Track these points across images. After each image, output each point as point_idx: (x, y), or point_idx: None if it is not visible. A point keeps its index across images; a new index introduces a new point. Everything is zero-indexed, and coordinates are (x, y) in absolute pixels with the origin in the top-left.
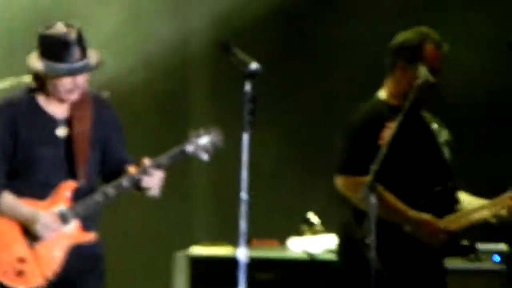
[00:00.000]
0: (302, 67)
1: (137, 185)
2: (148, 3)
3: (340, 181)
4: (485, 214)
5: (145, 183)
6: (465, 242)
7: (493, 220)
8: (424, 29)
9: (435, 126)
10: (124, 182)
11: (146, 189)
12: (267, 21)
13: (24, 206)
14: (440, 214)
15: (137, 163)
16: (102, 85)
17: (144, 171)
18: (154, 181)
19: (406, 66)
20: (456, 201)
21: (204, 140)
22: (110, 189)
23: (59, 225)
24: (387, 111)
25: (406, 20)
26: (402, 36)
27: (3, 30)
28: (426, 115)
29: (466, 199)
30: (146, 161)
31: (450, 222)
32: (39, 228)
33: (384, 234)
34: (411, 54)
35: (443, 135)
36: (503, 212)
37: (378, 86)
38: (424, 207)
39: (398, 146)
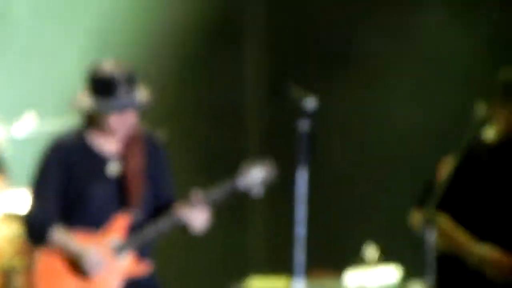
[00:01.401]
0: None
1: (179, 221)
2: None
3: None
4: None
5: (189, 219)
6: None
7: None
8: None
9: None
10: (173, 218)
11: (190, 226)
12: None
13: (74, 243)
14: None
15: (188, 198)
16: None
17: (189, 205)
18: (197, 217)
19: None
20: None
21: (256, 175)
22: (162, 225)
23: (109, 261)
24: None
25: None
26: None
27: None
28: None
29: None
30: (193, 195)
31: None
32: (87, 266)
33: (448, 268)
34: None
35: None
36: None
37: None
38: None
39: (470, 182)
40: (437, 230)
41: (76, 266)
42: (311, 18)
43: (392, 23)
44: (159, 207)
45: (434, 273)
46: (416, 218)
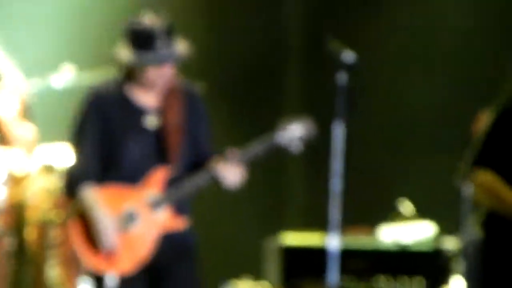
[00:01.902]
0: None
1: (216, 177)
2: None
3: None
4: None
5: (223, 175)
6: None
7: None
8: None
9: None
10: (210, 173)
11: (224, 181)
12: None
13: (96, 211)
14: None
15: (224, 154)
16: (197, 73)
17: (225, 163)
18: (231, 173)
19: None
20: None
21: (295, 131)
22: (200, 180)
23: (149, 213)
24: None
25: None
26: None
27: (94, 21)
28: None
29: None
30: (228, 152)
31: None
32: (99, 236)
33: (498, 225)
34: None
35: None
36: None
37: None
38: None
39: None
40: (479, 187)
41: (120, 216)
42: None
43: None
44: (197, 161)
45: (469, 229)
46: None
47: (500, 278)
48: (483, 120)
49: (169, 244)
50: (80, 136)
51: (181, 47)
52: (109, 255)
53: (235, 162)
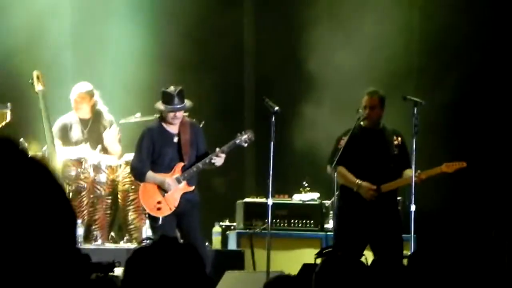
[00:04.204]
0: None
1: (211, 162)
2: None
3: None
4: (401, 183)
5: (215, 161)
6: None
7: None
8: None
9: (390, 135)
10: (207, 160)
11: (215, 164)
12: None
13: (158, 177)
14: (380, 183)
15: (213, 151)
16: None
17: (215, 154)
18: (220, 160)
19: None
20: (387, 178)
21: (245, 137)
22: (200, 165)
23: (176, 184)
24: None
25: None
26: None
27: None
28: (388, 131)
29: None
30: (217, 149)
31: (383, 187)
32: (166, 187)
33: (345, 192)
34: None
35: (396, 141)
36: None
37: None
38: (372, 179)
39: (354, 148)
40: (339, 174)
41: (160, 188)
42: (287, 58)
43: None
44: (198, 157)
45: (337, 195)
46: (329, 168)
47: (344, 215)
48: (342, 140)
49: (186, 200)
50: (140, 148)
51: (188, 102)
52: (158, 206)
53: (219, 154)
